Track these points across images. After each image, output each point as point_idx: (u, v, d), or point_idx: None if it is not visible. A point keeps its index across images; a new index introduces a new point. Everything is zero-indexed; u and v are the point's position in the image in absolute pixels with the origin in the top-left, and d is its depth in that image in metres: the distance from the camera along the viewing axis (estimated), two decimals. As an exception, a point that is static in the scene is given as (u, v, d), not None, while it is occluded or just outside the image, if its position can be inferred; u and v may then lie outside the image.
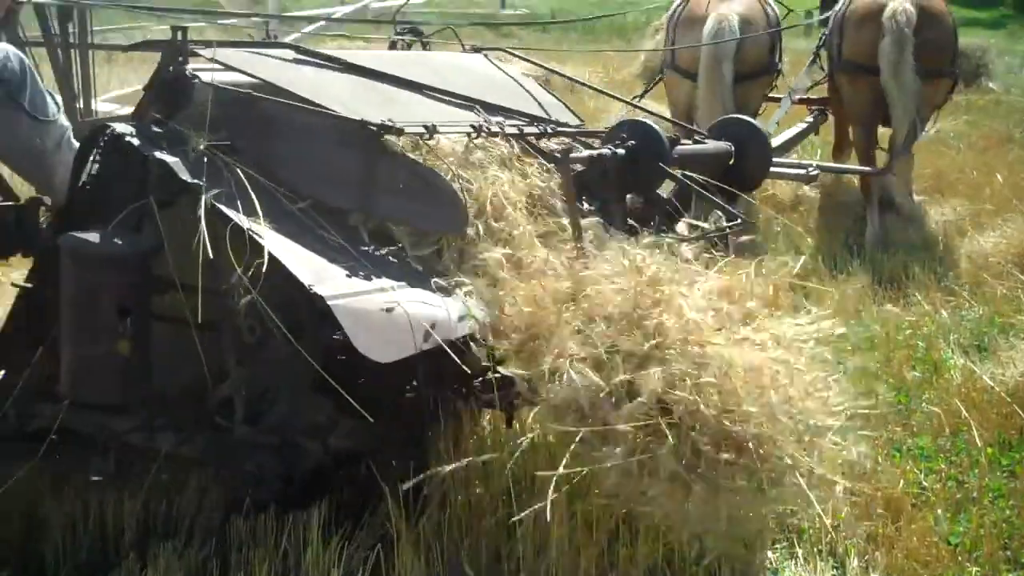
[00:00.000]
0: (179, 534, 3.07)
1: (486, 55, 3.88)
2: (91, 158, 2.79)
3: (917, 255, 6.24)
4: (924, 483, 3.50)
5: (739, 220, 3.55)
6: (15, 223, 3.15)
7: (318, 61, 3.17)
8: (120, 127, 2.70)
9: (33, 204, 3.28)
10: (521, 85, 3.69)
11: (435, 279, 2.70)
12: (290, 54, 3.17)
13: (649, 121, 3.38)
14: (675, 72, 7.30)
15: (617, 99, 5.66)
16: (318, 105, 2.83)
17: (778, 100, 7.86)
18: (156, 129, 2.70)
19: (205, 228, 2.44)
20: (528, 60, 4.40)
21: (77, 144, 3.08)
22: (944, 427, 3.90)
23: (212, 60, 2.80)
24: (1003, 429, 3.87)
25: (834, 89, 7.53)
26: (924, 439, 3.83)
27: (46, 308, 2.84)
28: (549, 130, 3.28)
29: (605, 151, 3.15)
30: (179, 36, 2.79)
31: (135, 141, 2.65)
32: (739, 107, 4.83)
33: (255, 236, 2.49)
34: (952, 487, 3.49)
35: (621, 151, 3.15)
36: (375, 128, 2.79)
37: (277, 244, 2.51)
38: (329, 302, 2.42)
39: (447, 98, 3.22)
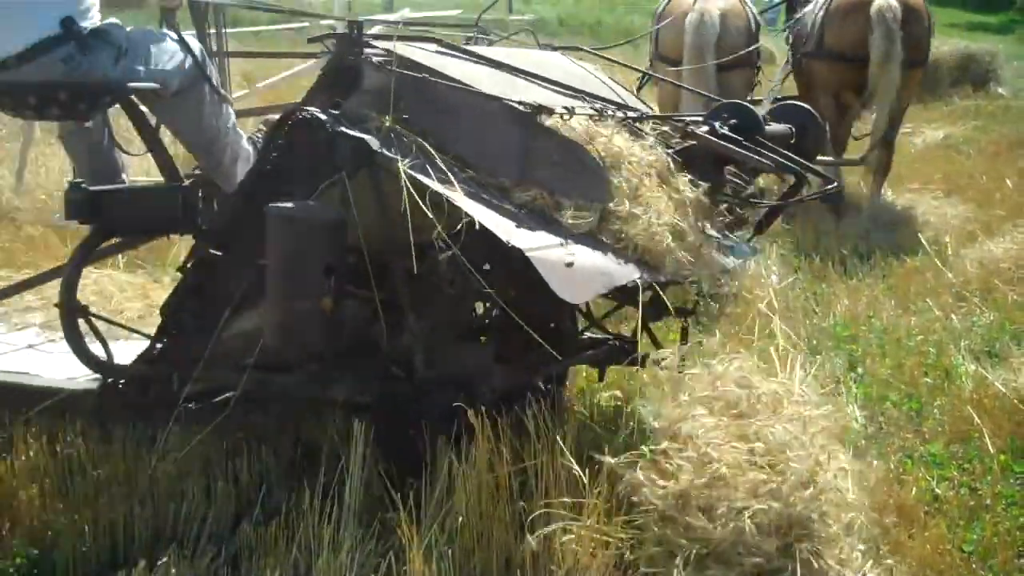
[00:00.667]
0: (188, 541, 3.09)
1: (563, 52, 4.26)
2: (278, 139, 3.12)
3: (927, 260, 6.22)
4: (937, 490, 3.47)
5: (836, 184, 4.38)
6: (181, 203, 3.43)
7: (458, 54, 3.54)
8: (309, 111, 3.03)
9: (195, 184, 3.62)
10: (598, 78, 4.06)
11: (590, 237, 3.07)
12: (433, 47, 3.52)
13: (745, 103, 3.83)
14: (661, 62, 7.78)
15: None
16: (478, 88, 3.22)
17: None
18: (334, 112, 3.03)
19: (407, 193, 2.79)
20: (603, 57, 4.74)
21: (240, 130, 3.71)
22: (956, 434, 3.89)
23: (386, 51, 3.17)
24: (1016, 436, 3.83)
25: (802, 78, 7.90)
26: (936, 446, 3.80)
27: (215, 280, 3.26)
28: (650, 114, 3.73)
29: (716, 126, 3.50)
30: (355, 30, 3.21)
31: (325, 122, 2.99)
32: (722, 96, 5.02)
33: (451, 199, 2.86)
34: (965, 494, 3.46)
35: (727, 128, 3.50)
36: (532, 108, 3.16)
37: (470, 206, 2.88)
38: (527, 254, 2.81)
39: (558, 87, 3.54)
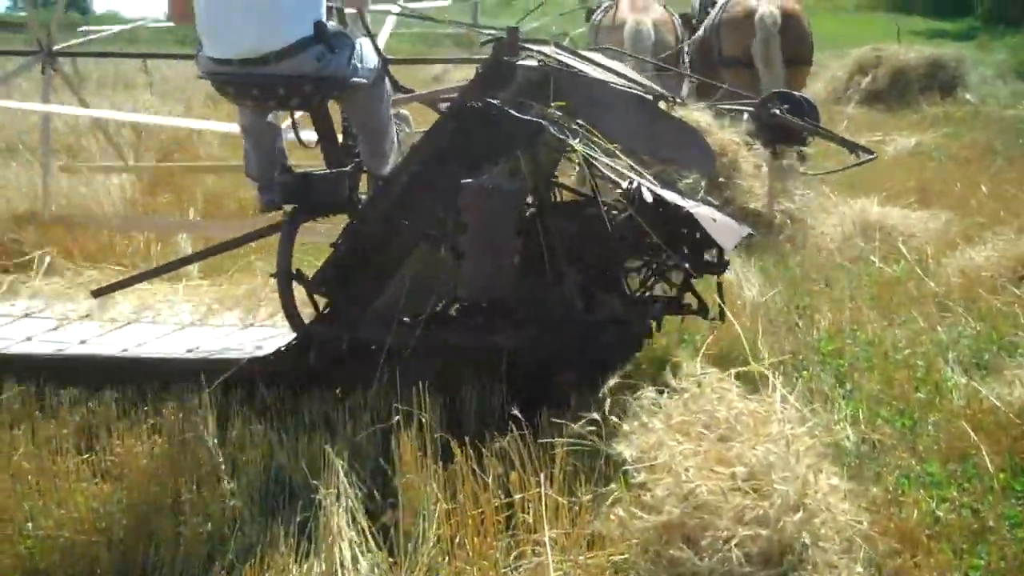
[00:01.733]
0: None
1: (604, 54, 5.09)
2: (451, 126, 3.81)
3: (908, 269, 6.13)
4: (938, 513, 3.34)
5: (874, 155, 5.13)
6: (346, 187, 4.21)
7: (576, 56, 4.32)
8: (488, 101, 3.69)
9: (356, 171, 4.33)
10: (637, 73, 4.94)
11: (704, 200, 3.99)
12: (550, 49, 4.18)
13: (792, 93, 5.01)
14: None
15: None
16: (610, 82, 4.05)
17: None
18: (495, 103, 3.69)
19: (586, 167, 3.67)
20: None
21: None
22: (953, 451, 3.76)
23: (540, 53, 4.02)
24: (1014, 452, 3.68)
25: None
26: (933, 465, 3.64)
27: (372, 252, 3.93)
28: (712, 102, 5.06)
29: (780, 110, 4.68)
30: (514, 35, 3.97)
31: (503, 110, 3.64)
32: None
33: (622, 170, 3.67)
34: (967, 516, 3.32)
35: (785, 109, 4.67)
36: (654, 97, 4.07)
37: (635, 175, 3.68)
38: (691, 211, 3.62)
39: (635, 82, 4.35)
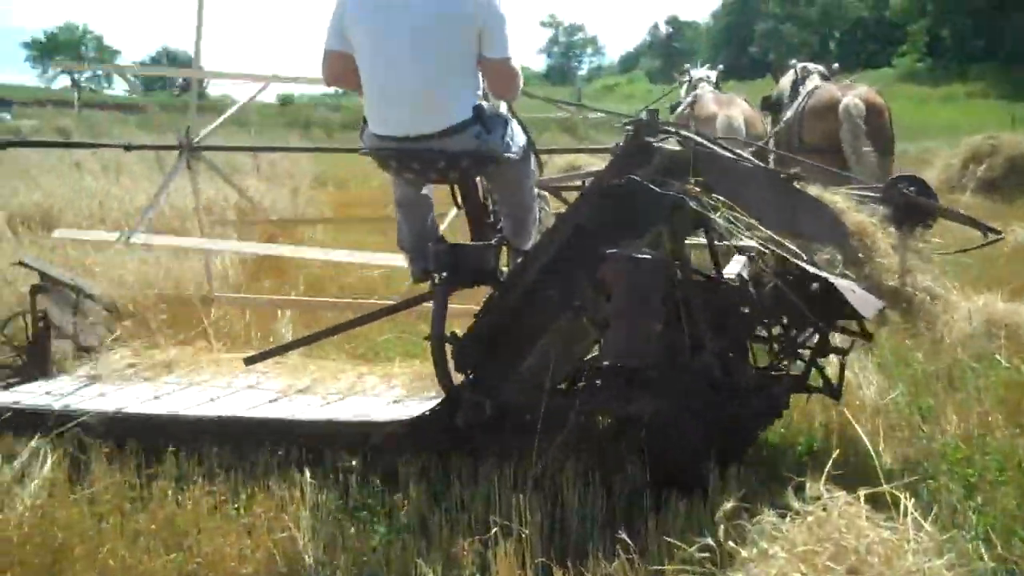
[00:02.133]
0: None
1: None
2: (595, 202, 4.06)
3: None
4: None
5: (1002, 235, 5.15)
6: (492, 259, 4.45)
7: (696, 137, 4.41)
8: (627, 180, 3.92)
9: (499, 244, 4.57)
10: None
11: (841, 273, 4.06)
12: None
13: (917, 175, 5.02)
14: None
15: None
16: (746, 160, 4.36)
17: None
18: (637, 179, 3.90)
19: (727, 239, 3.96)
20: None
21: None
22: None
23: (675, 133, 4.30)
24: None
25: None
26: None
27: (514, 322, 4.17)
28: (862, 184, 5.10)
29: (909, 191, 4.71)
30: (654, 117, 4.32)
31: (649, 187, 3.86)
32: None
33: (773, 246, 3.86)
34: None
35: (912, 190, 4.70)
36: (788, 175, 4.22)
37: (778, 247, 3.87)
38: (832, 281, 3.83)
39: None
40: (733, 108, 8.70)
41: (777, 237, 3.90)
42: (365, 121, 4.40)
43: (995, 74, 54.10)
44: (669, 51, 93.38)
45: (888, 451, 4.37)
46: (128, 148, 7.49)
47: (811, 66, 9.40)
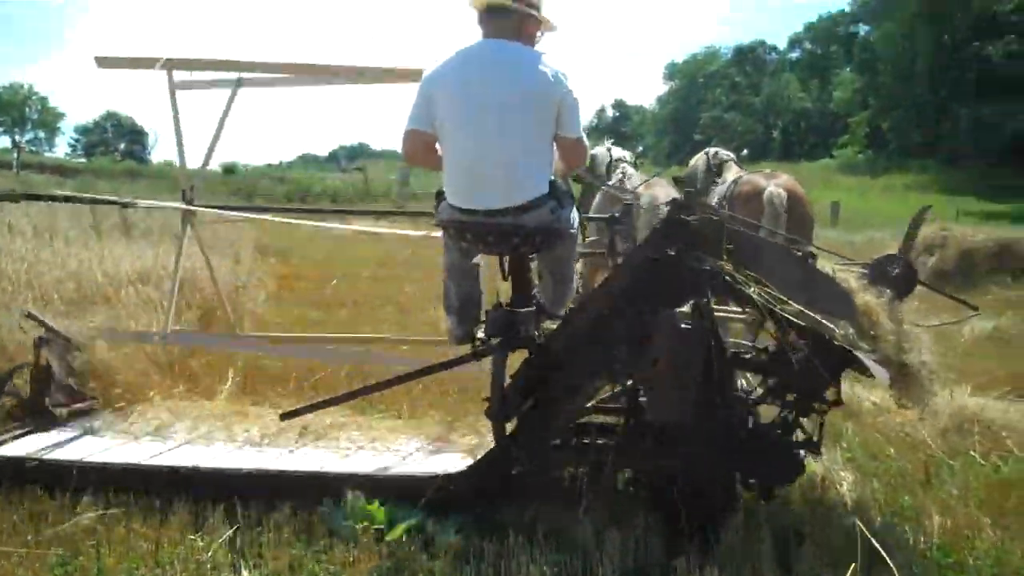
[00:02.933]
0: None
1: None
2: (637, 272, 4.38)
3: (1019, 469, 5.50)
4: None
5: (977, 310, 6.23)
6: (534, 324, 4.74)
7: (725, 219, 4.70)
8: (670, 255, 4.27)
9: (538, 311, 4.78)
10: None
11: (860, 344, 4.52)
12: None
13: (900, 255, 5.50)
14: None
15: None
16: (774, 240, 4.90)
17: None
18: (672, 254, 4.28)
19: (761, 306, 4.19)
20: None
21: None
22: None
23: (706, 210, 4.68)
24: None
25: None
26: None
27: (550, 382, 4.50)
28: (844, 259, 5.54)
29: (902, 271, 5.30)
30: (690, 197, 4.62)
31: (689, 261, 4.25)
32: None
33: (787, 314, 4.17)
34: None
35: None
36: (805, 254, 4.70)
37: (804, 318, 4.19)
38: (854, 352, 4.26)
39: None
40: (658, 189, 9.06)
41: (804, 310, 4.22)
42: (441, 194, 4.62)
43: (935, 168, 55.22)
44: (616, 134, 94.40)
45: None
46: (126, 205, 7.40)
47: (723, 152, 9.95)
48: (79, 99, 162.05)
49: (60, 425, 5.70)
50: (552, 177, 4.50)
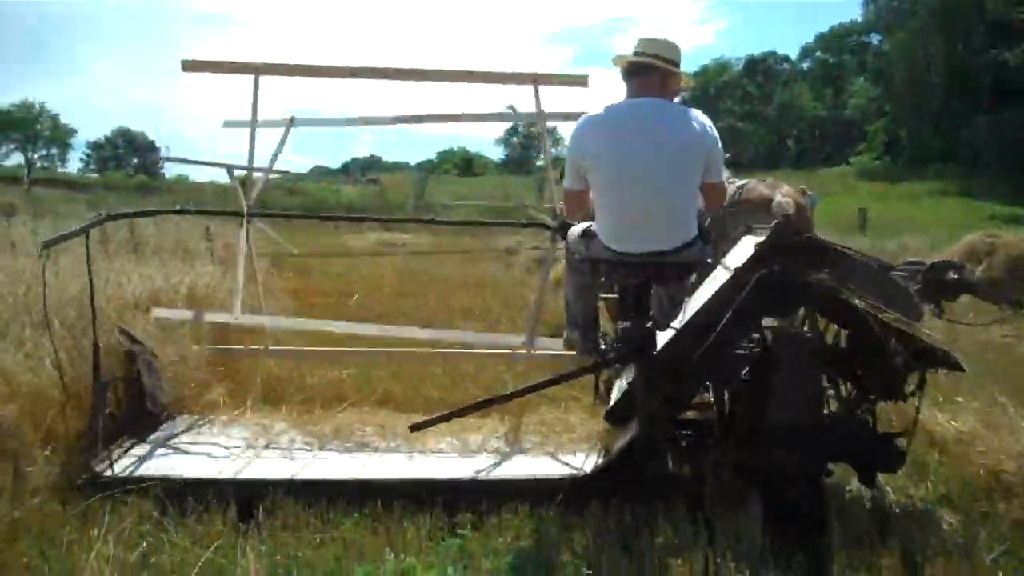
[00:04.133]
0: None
1: None
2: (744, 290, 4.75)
3: None
4: None
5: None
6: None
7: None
8: (785, 271, 4.68)
9: (656, 327, 5.02)
10: None
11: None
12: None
13: (955, 261, 5.48)
14: None
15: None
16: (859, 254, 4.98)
17: None
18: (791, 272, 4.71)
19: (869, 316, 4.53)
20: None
21: None
22: None
23: (808, 236, 5.15)
24: None
25: None
26: None
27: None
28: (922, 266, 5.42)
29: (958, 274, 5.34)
30: (788, 221, 5.46)
31: (800, 277, 4.66)
32: None
33: (891, 321, 4.55)
34: None
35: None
36: (884, 266, 5.04)
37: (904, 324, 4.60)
38: (948, 350, 4.70)
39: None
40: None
41: (900, 316, 4.61)
42: (588, 233, 5.00)
43: (954, 174, 54.57)
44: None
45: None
46: (182, 212, 7.36)
47: None
48: (90, 115, 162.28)
49: (155, 436, 5.90)
50: (700, 221, 4.91)
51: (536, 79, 6.55)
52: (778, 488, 4.67)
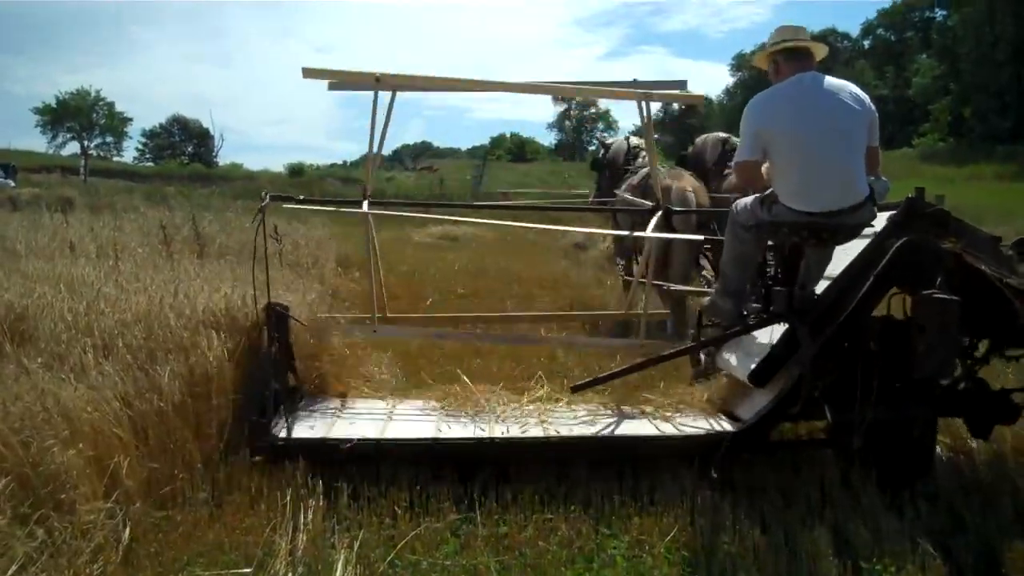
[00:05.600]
0: None
1: None
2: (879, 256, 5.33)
3: None
4: None
5: None
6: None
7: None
8: (922, 239, 5.26)
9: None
10: None
11: None
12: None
13: None
14: None
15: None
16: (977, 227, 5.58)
17: None
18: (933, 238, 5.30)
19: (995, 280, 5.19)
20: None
21: None
22: None
23: (937, 208, 5.43)
24: None
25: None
26: None
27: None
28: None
29: None
30: (920, 192, 5.46)
31: (932, 244, 5.24)
32: None
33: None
34: None
35: None
36: (995, 238, 5.56)
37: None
38: None
39: None
40: (685, 181, 9.68)
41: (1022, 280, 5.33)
42: (765, 200, 5.54)
43: (1022, 155, 52.82)
44: (682, 126, 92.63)
45: None
46: (303, 202, 7.61)
47: (735, 139, 10.45)
48: (144, 103, 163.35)
49: (315, 407, 6.08)
50: (870, 184, 5.43)
51: (648, 95, 7.28)
52: (904, 436, 5.34)
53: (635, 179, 10.36)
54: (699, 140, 11.35)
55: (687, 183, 9.61)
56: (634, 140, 11.75)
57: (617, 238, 11.29)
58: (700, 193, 9.74)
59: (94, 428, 4.81)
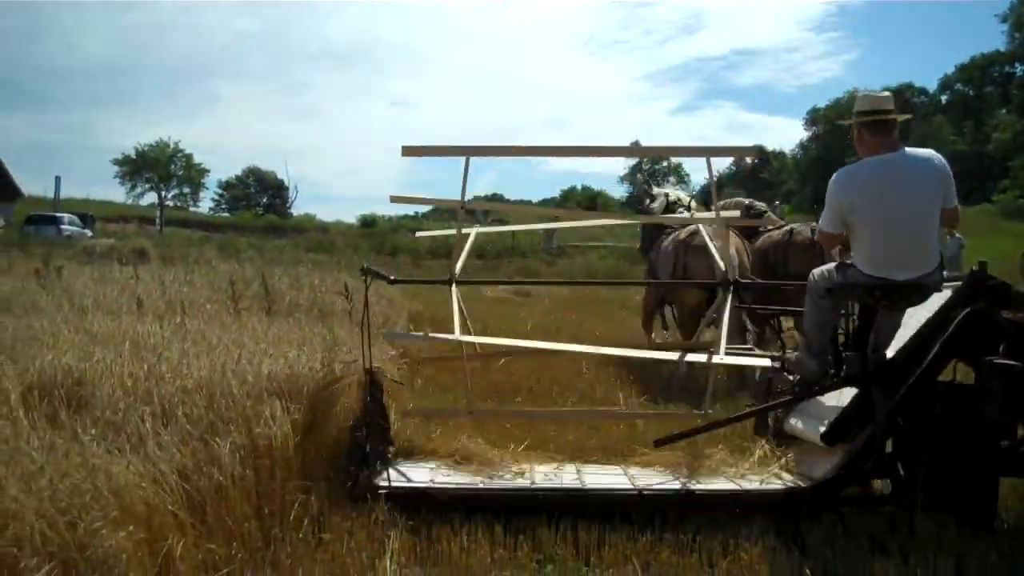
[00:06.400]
0: None
1: None
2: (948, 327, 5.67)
3: None
4: None
5: None
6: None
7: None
8: (988, 312, 5.60)
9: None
10: None
11: None
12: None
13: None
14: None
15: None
16: None
17: None
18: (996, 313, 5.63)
19: None
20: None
21: None
22: None
23: (995, 279, 5.83)
24: None
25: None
26: None
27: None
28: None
29: None
30: (983, 266, 5.80)
31: (996, 315, 5.57)
32: None
33: None
34: None
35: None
36: None
37: None
38: None
39: None
40: (732, 242, 9.83)
41: None
42: (842, 266, 5.94)
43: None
44: (755, 180, 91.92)
45: None
46: (393, 282, 8.20)
47: (758, 204, 12.20)
48: (221, 155, 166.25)
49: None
50: (941, 254, 5.86)
51: (710, 151, 7.61)
52: (967, 495, 5.52)
53: (681, 234, 10.79)
54: (721, 203, 11.28)
55: (735, 243, 9.62)
56: (672, 196, 12.44)
57: (650, 294, 12.08)
58: (742, 253, 10.12)
59: (148, 505, 4.48)
